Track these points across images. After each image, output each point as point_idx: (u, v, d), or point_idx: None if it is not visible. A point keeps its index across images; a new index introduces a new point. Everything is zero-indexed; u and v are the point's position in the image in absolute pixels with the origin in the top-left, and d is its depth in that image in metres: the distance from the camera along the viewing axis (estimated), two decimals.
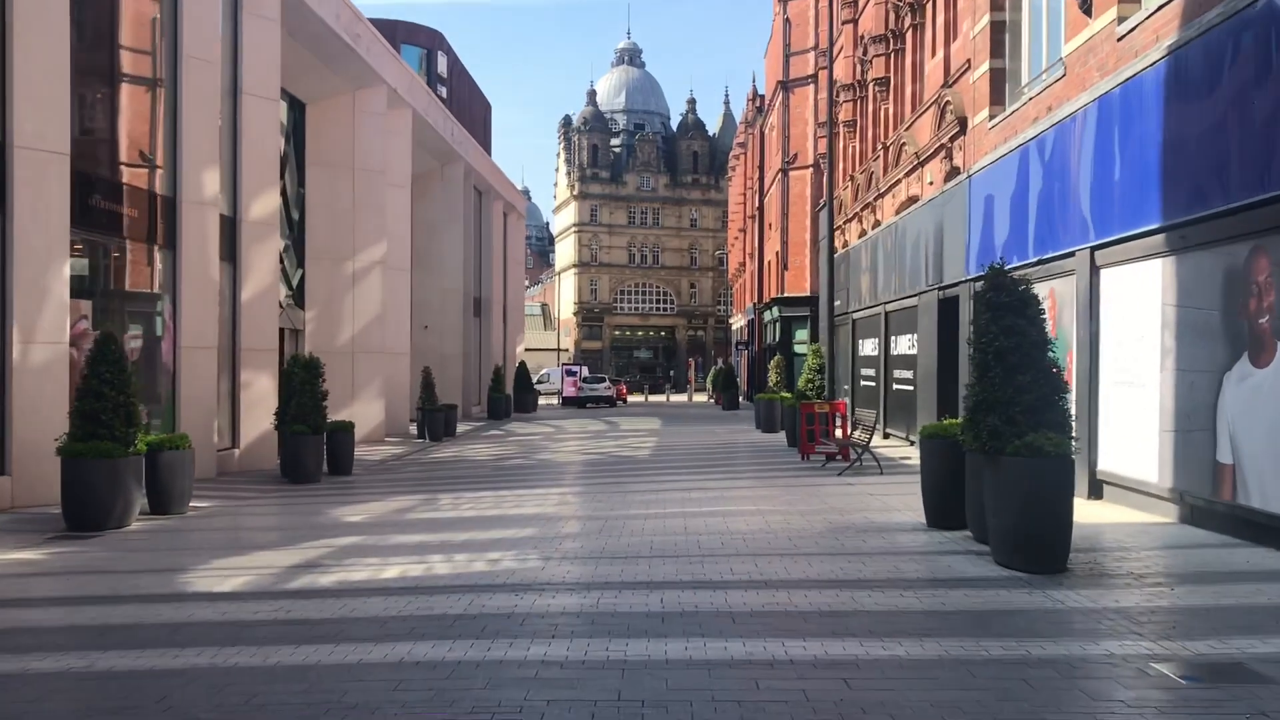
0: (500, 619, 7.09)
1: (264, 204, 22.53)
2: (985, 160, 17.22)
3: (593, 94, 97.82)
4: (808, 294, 46.75)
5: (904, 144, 22.56)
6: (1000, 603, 7.44)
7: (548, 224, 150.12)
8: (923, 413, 20.96)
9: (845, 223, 30.79)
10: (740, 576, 8.51)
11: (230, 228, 21.57)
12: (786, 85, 47.89)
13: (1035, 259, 14.65)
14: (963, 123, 18.66)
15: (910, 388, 22.67)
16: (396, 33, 42.74)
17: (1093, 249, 12.99)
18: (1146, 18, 11.56)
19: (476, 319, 44.85)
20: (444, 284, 40.24)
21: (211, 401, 20.11)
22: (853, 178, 29.55)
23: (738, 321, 72.62)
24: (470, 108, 53.01)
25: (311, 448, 19.56)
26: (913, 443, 21.93)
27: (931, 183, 20.96)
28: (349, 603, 7.76)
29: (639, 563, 9.24)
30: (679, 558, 9.47)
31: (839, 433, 20.17)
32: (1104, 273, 12.89)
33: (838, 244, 33.13)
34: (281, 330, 27.99)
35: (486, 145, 55.55)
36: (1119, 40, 12.29)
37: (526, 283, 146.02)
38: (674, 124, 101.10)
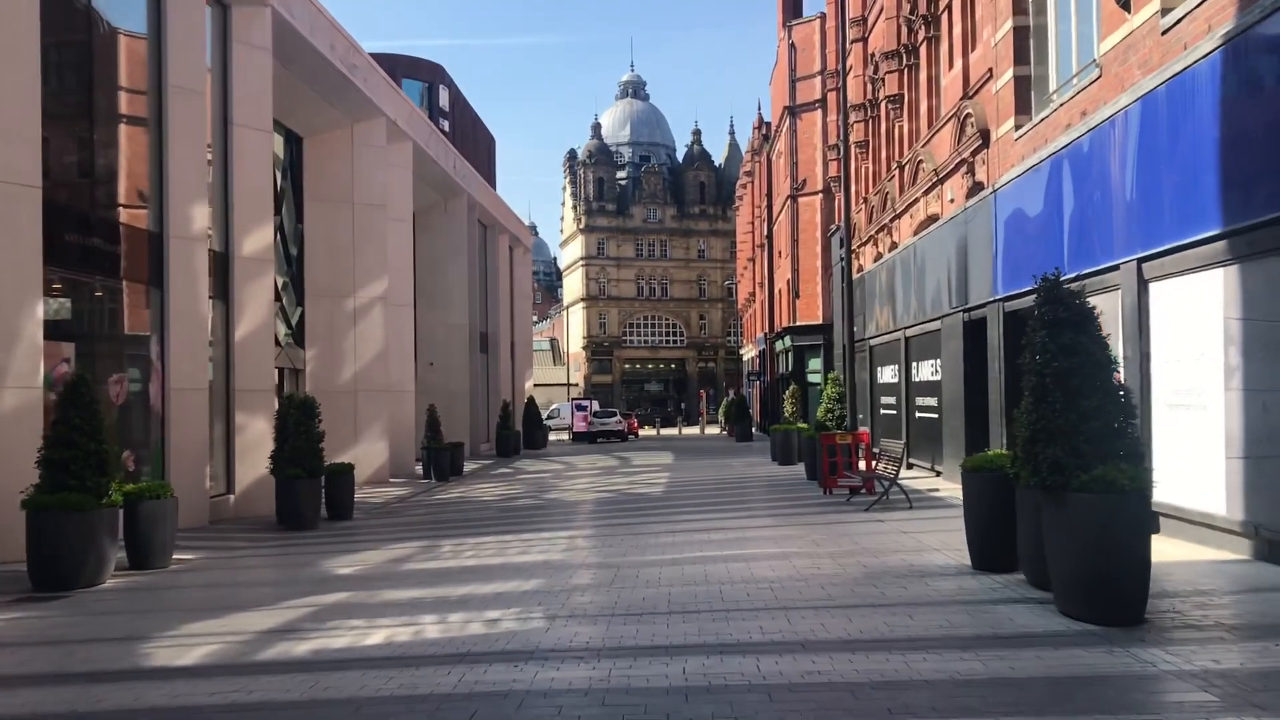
0: (495, 699, 6.04)
1: (258, 239, 21.67)
2: (1012, 173, 16.26)
3: (597, 127, 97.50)
4: (820, 322, 45.77)
5: (921, 161, 21.63)
6: (1079, 666, 6.37)
7: (555, 259, 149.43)
8: (949, 442, 19.90)
9: (860, 246, 29.83)
10: (772, 636, 7.46)
11: (222, 264, 20.72)
12: (794, 110, 47.14)
13: (1072, 275, 13.63)
14: (985, 135, 17.72)
15: (934, 415, 21.60)
16: (397, 67, 42.14)
17: (1139, 261, 11.97)
18: (1196, 6, 10.60)
19: (484, 355, 43.96)
20: (449, 319, 39.37)
21: (203, 446, 19.16)
22: (866, 200, 28.63)
23: (748, 352, 71.63)
24: (474, 141, 52.38)
25: (308, 492, 18.59)
26: (939, 473, 20.85)
27: (952, 200, 20.01)
28: (322, 679, 6.72)
29: (656, 621, 8.19)
30: (701, 613, 8.42)
31: (862, 464, 19.10)
32: (1153, 286, 11.86)
33: (853, 269, 32.18)
34: (281, 370, 27.18)
35: (491, 179, 54.89)
36: (1163, 34, 11.34)
37: (535, 318, 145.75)
38: (679, 155, 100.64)
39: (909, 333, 23.57)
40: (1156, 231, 11.54)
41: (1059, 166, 14.33)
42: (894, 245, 25.03)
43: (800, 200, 47.00)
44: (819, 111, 45.85)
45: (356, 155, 29.31)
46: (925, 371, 22.27)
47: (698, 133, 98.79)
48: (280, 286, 27.49)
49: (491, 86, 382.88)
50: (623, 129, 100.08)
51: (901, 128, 24.46)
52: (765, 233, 57.90)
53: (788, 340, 48.50)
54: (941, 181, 20.56)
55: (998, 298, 16.90)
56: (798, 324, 47.27)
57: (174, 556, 13.70)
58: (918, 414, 23.03)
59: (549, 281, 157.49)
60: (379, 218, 29.60)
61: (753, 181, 66.87)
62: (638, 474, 28.19)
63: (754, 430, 53.37)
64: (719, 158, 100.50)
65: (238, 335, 21.02)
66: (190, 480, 18.64)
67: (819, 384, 45.40)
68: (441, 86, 47.30)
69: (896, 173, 24.39)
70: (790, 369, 47.78)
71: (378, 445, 29.23)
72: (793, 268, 47.52)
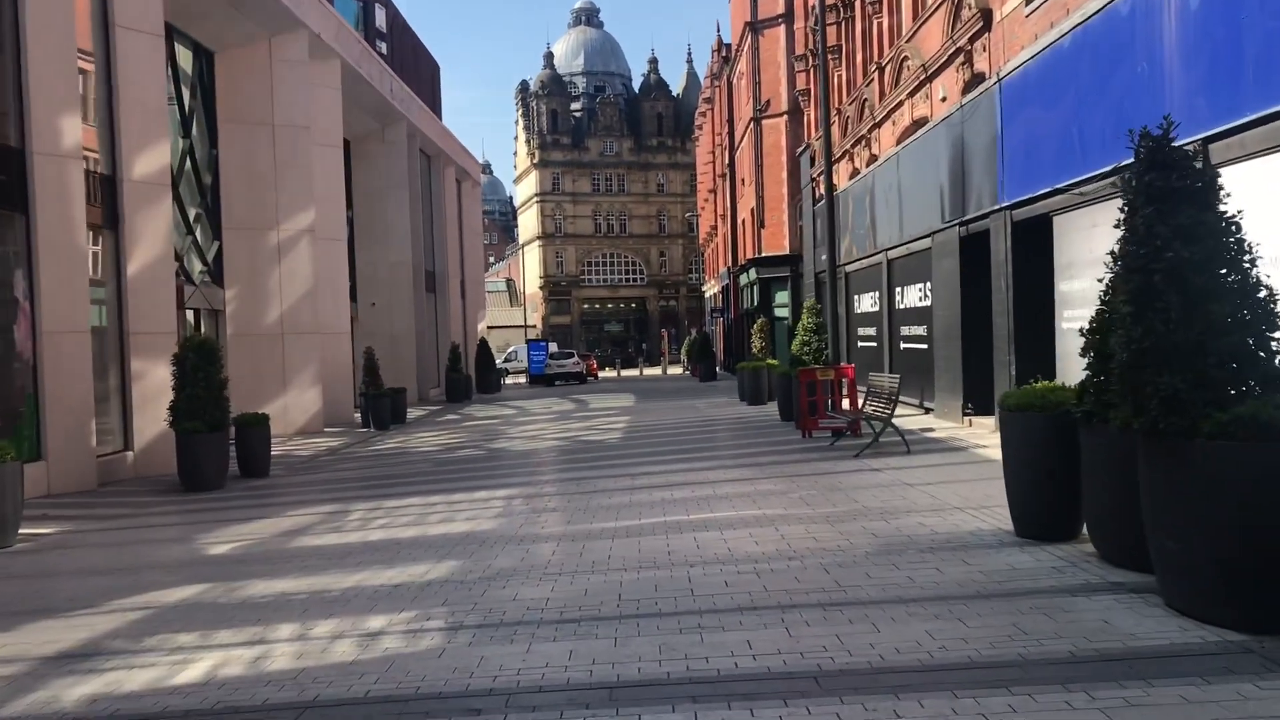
0: None
1: (152, 159, 18.87)
2: (1022, 57, 13.78)
3: (550, 57, 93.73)
4: (787, 252, 43.35)
5: (906, 58, 19.11)
6: (1260, 714, 4.05)
7: (511, 199, 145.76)
8: (943, 375, 17.62)
9: (834, 163, 27.34)
10: (769, 661, 5.10)
11: (109, 188, 17.95)
12: (755, 27, 44.25)
13: (1109, 168, 11.23)
14: (986, 16, 15.22)
15: (923, 346, 19.31)
16: None
17: (1205, 141, 9.58)
18: None
19: (431, 294, 41.21)
20: (391, 257, 36.57)
21: (86, 397, 16.52)
22: (840, 111, 26.09)
23: (711, 288, 69.20)
24: (416, 67, 48.97)
25: (210, 448, 16.08)
26: (929, 410, 18.60)
27: (944, 99, 17.55)
28: None
29: (598, 633, 5.80)
30: (663, 617, 6.05)
31: (846, 403, 16.80)
32: (1227, 172, 9.48)
33: (820, 190, 29.71)
34: (197, 311, 24.46)
35: (436, 108, 51.56)
36: None
37: (491, 259, 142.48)
38: (636, 86, 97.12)
39: (892, 255, 21.19)
40: (1232, 102, 9.14)
41: (1088, 40, 11.87)
42: (873, 159, 22.57)
43: (764, 123, 44.30)
44: (783, 26, 43.00)
45: (276, 72, 26.30)
46: (912, 297, 19.94)
47: (654, 61, 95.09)
48: (192, 218, 24.67)
49: (440, 22, 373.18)
50: (576, 58, 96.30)
51: (881, 24, 21.86)
52: (727, 161, 55.20)
53: (753, 273, 46.07)
54: (931, 78, 18.07)
55: (1003, 205, 14.51)
56: (763, 255, 44.81)
57: (21, 532, 11.19)
58: (903, 345, 20.73)
59: (505, 222, 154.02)
60: (303, 142, 26.68)
61: (712, 109, 63.94)
62: (595, 418, 25.81)
63: (718, 369, 51.11)
64: (677, 88, 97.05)
65: (130, 270, 18.30)
66: (70, 438, 16.09)
67: (787, 318, 43.15)
68: (378, 5, 43.77)
69: (875, 76, 21.86)
70: (756, 304, 45.41)
71: (309, 393, 26.63)
72: (757, 195, 44.94)
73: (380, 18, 44.31)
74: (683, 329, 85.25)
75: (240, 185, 25.94)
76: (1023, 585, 6.33)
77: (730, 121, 54.04)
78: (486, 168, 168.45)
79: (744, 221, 50.11)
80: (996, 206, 14.79)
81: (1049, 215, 13.24)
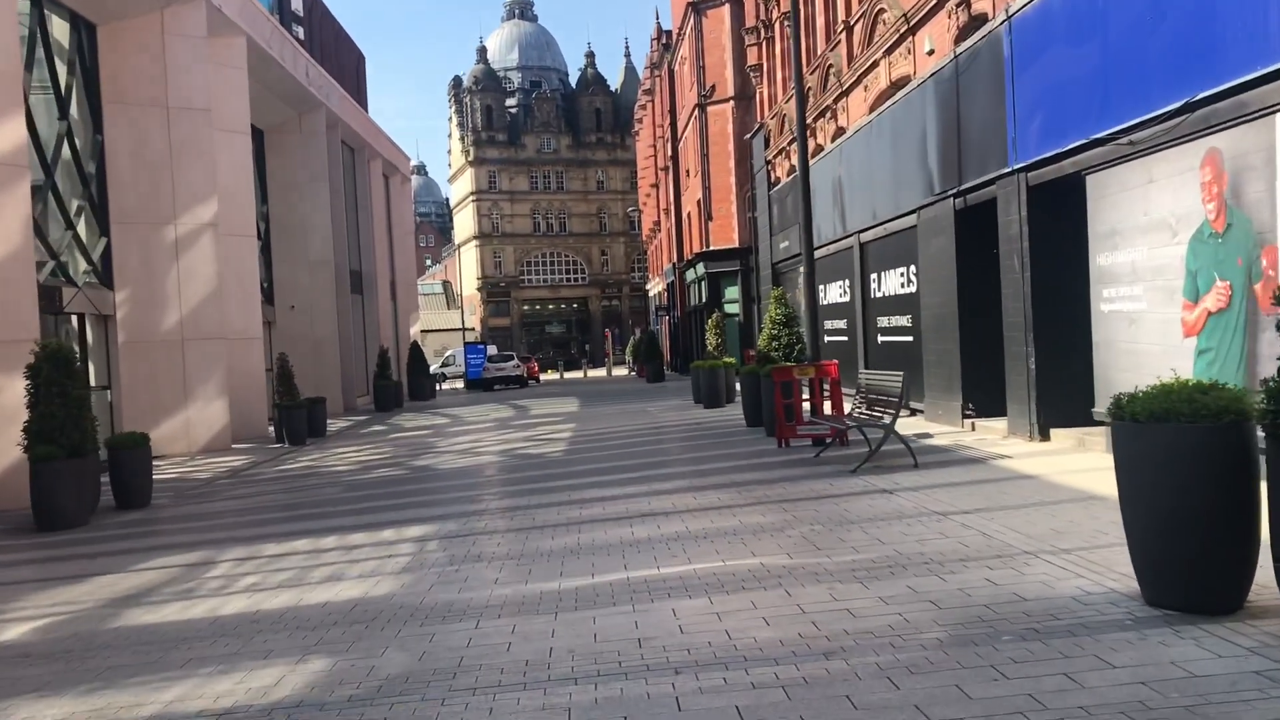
0: None
1: (2, 137, 15.98)
2: None
3: (483, 51, 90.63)
4: (737, 245, 41.10)
5: (881, 10, 16.78)
6: None
7: (447, 201, 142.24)
8: (935, 371, 15.28)
9: (789, 143, 25.00)
10: None
11: None
12: (698, 7, 41.91)
13: (1177, 105, 8.89)
14: None
15: (907, 339, 16.97)
16: None
17: None
18: None
19: (357, 296, 38.31)
20: (311, 255, 33.60)
21: None
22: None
23: (655, 286, 66.79)
24: (337, 55, 45.91)
25: (68, 477, 13.32)
26: (917, 412, 16.26)
27: (931, 52, 15.25)
28: None
29: None
30: None
31: (828, 406, 14.37)
32: None
33: (777, 173, 27.35)
34: (81, 316, 21.45)
35: (361, 99, 48.51)
36: None
37: (429, 261, 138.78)
38: (573, 81, 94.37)
39: (865, 238, 18.86)
40: None
41: None
42: (839, 133, 20.24)
43: (710, 109, 41.95)
44: (727, 6, 40.72)
45: (169, 47, 23.37)
46: (892, 284, 17.60)
47: (591, 55, 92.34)
48: (74, 211, 21.67)
49: (369, 24, 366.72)
50: (511, 52, 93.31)
51: None
52: (670, 154, 52.82)
53: (700, 268, 43.74)
54: (914, 30, 15.76)
55: (1016, 168, 12.17)
56: (711, 249, 42.51)
57: None
58: (881, 338, 18.39)
59: (441, 224, 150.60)
60: (202, 126, 23.77)
61: (653, 100, 61.54)
62: (536, 427, 23.18)
63: (666, 369, 48.67)
64: (615, 83, 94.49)
65: None
66: None
67: (738, 314, 40.87)
68: None
69: (843, 37, 19.52)
70: (705, 300, 43.08)
71: (214, 405, 23.73)
72: (704, 186, 42.58)
73: (296, 0, 41.29)
74: (626, 329, 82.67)
75: (131, 174, 22.97)
76: (1224, 711, 3.88)
77: (673, 111, 51.66)
78: (421, 169, 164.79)
79: (690, 215, 47.76)
80: (1006, 170, 12.44)
81: (1080, 174, 10.91)
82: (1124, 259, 10.14)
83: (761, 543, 7.79)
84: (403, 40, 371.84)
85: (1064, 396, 11.98)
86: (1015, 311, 12.41)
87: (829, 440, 13.53)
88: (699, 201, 43.85)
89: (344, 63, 47.28)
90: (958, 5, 13.98)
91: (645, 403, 28.43)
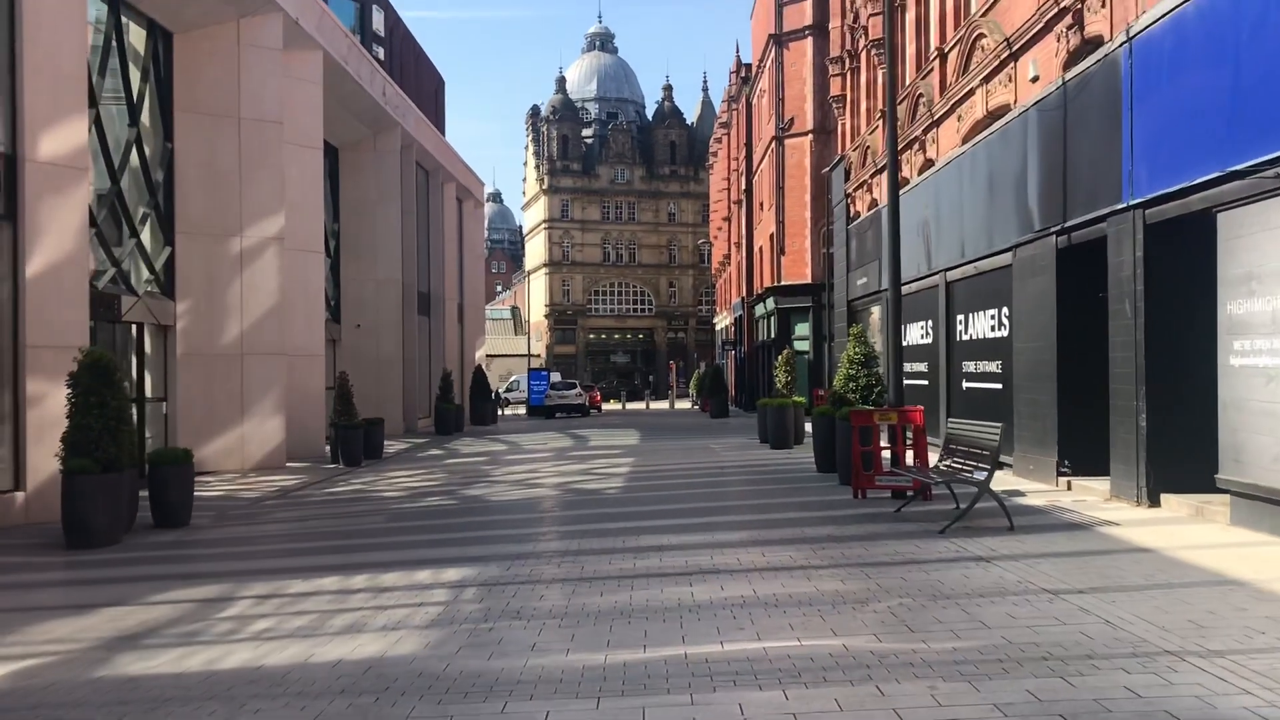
0: None
1: (64, 138, 15.64)
2: (1166, 5, 10.36)
3: (562, 81, 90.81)
4: (809, 281, 39.99)
5: (980, 35, 15.75)
6: None
7: (520, 228, 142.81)
8: (1027, 424, 14.08)
9: (870, 177, 23.97)
10: None
11: (6, 169, 14.69)
12: (780, 40, 41.10)
13: None
14: None
15: (995, 386, 15.79)
16: None
17: None
18: None
19: (424, 317, 37.88)
20: (379, 274, 33.22)
21: None
22: (883, 114, 22.66)
23: (722, 320, 65.79)
24: (417, 77, 45.89)
25: (101, 493, 12.70)
26: (1005, 466, 15.03)
27: (1035, 78, 14.17)
28: None
29: None
30: None
31: (910, 456, 13.24)
32: None
33: (857, 207, 26.29)
34: (140, 325, 21.06)
35: (439, 123, 48.43)
36: None
37: (499, 288, 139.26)
38: (649, 113, 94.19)
39: (952, 276, 17.74)
40: None
41: None
42: (927, 165, 19.19)
43: (787, 142, 41.02)
44: (810, 39, 39.86)
45: (244, 58, 23.09)
46: (980, 326, 16.45)
47: (669, 88, 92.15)
48: (139, 219, 21.35)
49: (452, 55, 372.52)
50: (589, 84, 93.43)
51: (942, 4, 18.45)
52: (744, 186, 51.94)
53: (770, 303, 42.67)
54: (1016, 55, 14.70)
55: (1131, 204, 11.04)
56: (782, 284, 41.44)
57: None
58: (966, 384, 17.22)
59: (514, 251, 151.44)
60: (273, 138, 23.41)
61: (729, 133, 60.82)
62: (593, 458, 22.28)
63: (730, 405, 47.53)
64: (691, 116, 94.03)
65: (30, 270, 15.01)
66: None
67: (808, 352, 39.70)
68: (375, 6, 40.70)
69: (935, 64, 18.49)
70: (773, 335, 41.97)
71: (270, 423, 23.21)
72: (777, 220, 41.59)
73: (378, 21, 41.29)
74: (691, 362, 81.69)
75: (199, 184, 22.65)
76: None
77: (749, 144, 50.83)
78: (496, 197, 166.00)
79: (761, 249, 46.77)
80: (1119, 206, 11.31)
81: (1210, 211, 9.77)
82: (1263, 307, 8.97)
83: (843, 617, 6.75)
84: (484, 69, 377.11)
85: (1179, 459, 10.78)
86: (1125, 362, 11.23)
87: (910, 494, 12.44)
88: (772, 235, 42.87)
89: (423, 86, 47.27)
90: (1069, 28, 12.91)
91: (708, 439, 27.41)
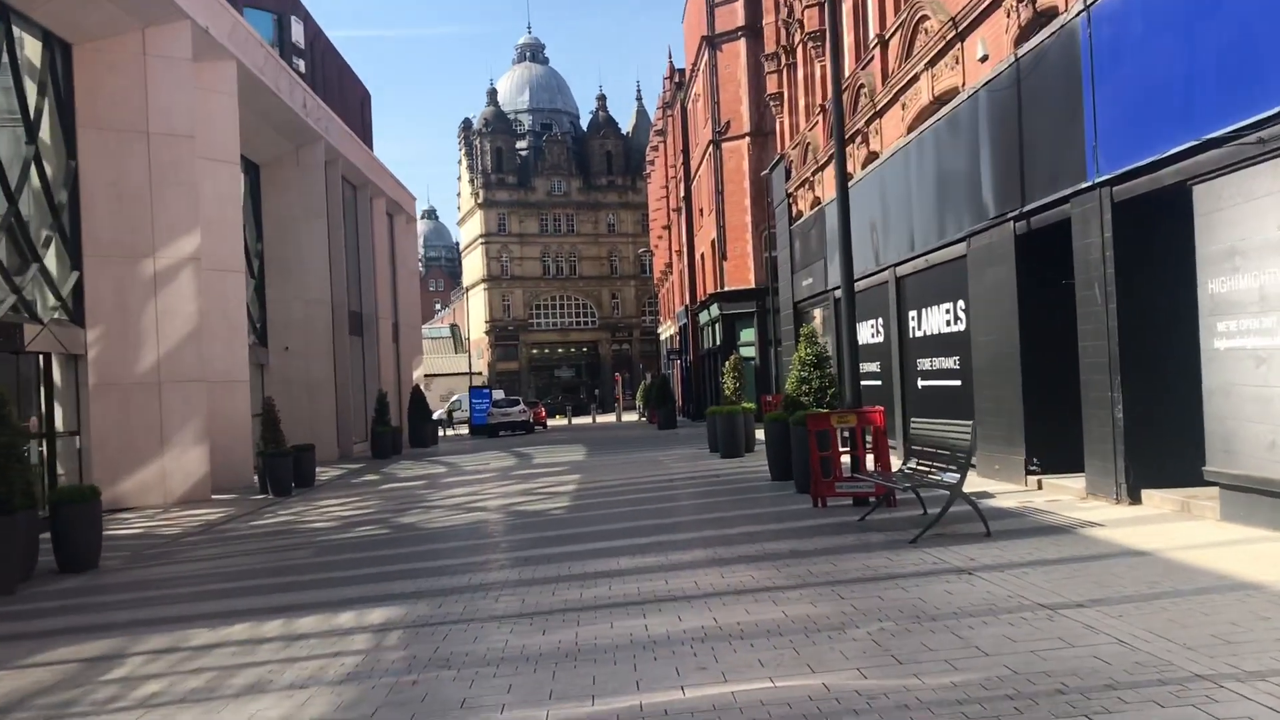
0: None
1: None
2: None
3: (493, 93, 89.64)
4: (752, 286, 39.37)
5: (923, 17, 15.09)
6: None
7: (457, 244, 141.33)
8: (991, 420, 13.35)
9: (812, 174, 23.28)
10: None
11: None
12: (713, 42, 40.51)
13: None
14: None
15: (953, 383, 15.10)
16: None
17: None
18: None
19: (357, 338, 36.61)
20: (308, 294, 31.90)
21: None
22: (823, 108, 22.02)
23: (667, 330, 65.06)
24: (341, 91, 44.63)
25: None
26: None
27: (984, 58, 13.51)
28: None
29: None
30: None
31: (870, 460, 12.44)
32: None
33: (799, 206, 25.63)
34: (45, 355, 19.77)
35: (366, 137, 47.22)
36: None
37: (438, 305, 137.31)
38: (584, 123, 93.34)
39: (902, 271, 17.05)
40: None
41: None
42: (872, 157, 18.52)
43: (725, 146, 40.41)
44: (743, 40, 39.30)
45: (151, 69, 21.89)
46: (935, 321, 15.76)
47: (602, 98, 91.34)
48: (40, 242, 20.07)
49: (380, 69, 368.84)
50: (521, 95, 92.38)
51: None
52: (683, 193, 51.29)
53: (714, 310, 42.00)
54: (963, 36, 14.04)
55: (1098, 181, 10.35)
56: (726, 290, 40.77)
57: None
58: (922, 383, 16.51)
59: (452, 268, 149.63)
60: (185, 153, 22.23)
61: (665, 141, 60.17)
62: (537, 477, 21.29)
63: (678, 415, 46.72)
64: (626, 125, 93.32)
65: None
66: None
67: (754, 357, 39.04)
68: (294, 18, 39.42)
69: (876, 53, 17.82)
70: (719, 343, 41.28)
71: (193, 453, 22.00)
72: (718, 225, 40.92)
73: (298, 32, 40.03)
74: (637, 373, 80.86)
75: (107, 204, 21.40)
76: None
77: (685, 150, 50.21)
78: (432, 213, 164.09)
79: (703, 255, 46.11)
80: (1084, 185, 10.63)
81: (1184, 185, 9.09)
82: (1249, 284, 8.28)
83: (819, 649, 5.87)
84: (414, 87, 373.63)
85: (1159, 451, 10.10)
86: (1097, 351, 10.54)
87: (873, 500, 11.66)
88: (713, 241, 42.21)
89: (348, 99, 45.97)
90: (1019, 1, 12.24)
91: (657, 451, 26.53)
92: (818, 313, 23.78)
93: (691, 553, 9.80)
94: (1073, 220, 10.92)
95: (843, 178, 12.19)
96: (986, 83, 12.94)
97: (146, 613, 9.40)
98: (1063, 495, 11.41)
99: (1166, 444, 10.04)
